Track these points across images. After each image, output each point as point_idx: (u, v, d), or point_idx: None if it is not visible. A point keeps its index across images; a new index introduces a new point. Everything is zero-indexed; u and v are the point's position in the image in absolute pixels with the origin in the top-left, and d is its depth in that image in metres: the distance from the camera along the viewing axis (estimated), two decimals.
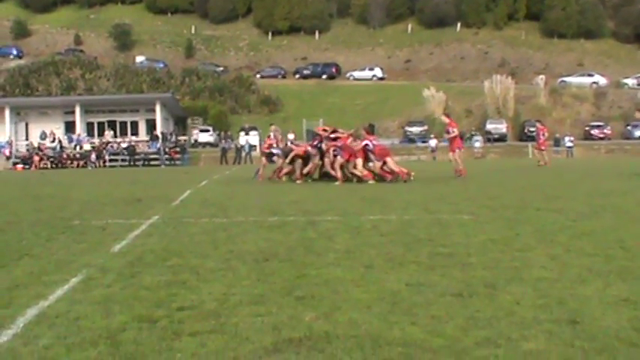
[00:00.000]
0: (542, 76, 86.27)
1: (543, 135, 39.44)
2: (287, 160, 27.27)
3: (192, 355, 5.16)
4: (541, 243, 10.09)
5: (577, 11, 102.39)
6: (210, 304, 6.67)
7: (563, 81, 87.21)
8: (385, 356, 5.05)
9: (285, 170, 27.66)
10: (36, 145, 66.50)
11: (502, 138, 74.67)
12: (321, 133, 27.17)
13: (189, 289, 7.29)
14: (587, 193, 19.45)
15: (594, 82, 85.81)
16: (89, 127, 72.73)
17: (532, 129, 71.67)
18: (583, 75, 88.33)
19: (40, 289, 7.39)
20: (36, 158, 63.47)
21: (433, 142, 65.87)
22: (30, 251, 9.93)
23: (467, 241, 10.37)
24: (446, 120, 28.29)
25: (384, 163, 25.59)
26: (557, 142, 67.70)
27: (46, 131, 68.51)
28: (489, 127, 74.70)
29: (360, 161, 25.21)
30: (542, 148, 39.97)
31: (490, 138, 72.82)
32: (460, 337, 5.50)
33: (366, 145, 25.22)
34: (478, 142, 70.10)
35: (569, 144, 66.62)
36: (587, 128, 75.90)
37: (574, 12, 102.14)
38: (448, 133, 28.73)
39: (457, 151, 27.81)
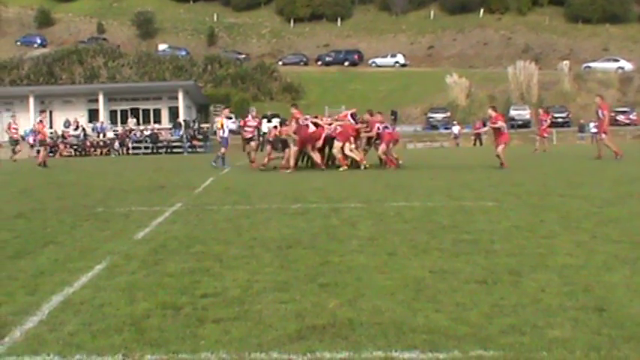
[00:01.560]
0: (566, 62, 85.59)
1: (545, 122, 38.93)
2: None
3: (215, 341, 5.16)
4: (566, 230, 10.04)
5: None
6: (233, 291, 6.68)
7: (587, 66, 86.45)
8: (409, 343, 5.03)
9: (271, 157, 27.71)
10: (60, 133, 66.72)
11: (526, 124, 74.15)
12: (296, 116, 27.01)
13: (213, 277, 7.30)
14: (612, 179, 19.31)
15: (620, 68, 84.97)
16: (112, 114, 72.96)
17: (556, 115, 71.46)
18: (608, 60, 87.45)
19: (65, 276, 7.43)
20: (60, 146, 63.71)
21: (456, 129, 65.57)
22: (54, 239, 9.98)
23: (491, 227, 10.32)
24: (492, 113, 27.52)
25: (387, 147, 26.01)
26: (582, 128, 67.22)
27: (69, 119, 68.77)
28: (513, 113, 74.17)
29: (347, 145, 25.60)
30: (545, 135, 39.57)
31: (514, 124, 72.39)
32: (485, 324, 5.47)
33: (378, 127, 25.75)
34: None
35: (594, 130, 66.08)
36: (612, 114, 75.32)
37: None
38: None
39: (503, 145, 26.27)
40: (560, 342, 5.00)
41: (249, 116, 32.20)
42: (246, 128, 32.06)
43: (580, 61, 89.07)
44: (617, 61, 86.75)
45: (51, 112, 70.21)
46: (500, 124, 26.02)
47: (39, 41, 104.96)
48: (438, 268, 7.50)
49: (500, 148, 25.15)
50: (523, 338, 5.10)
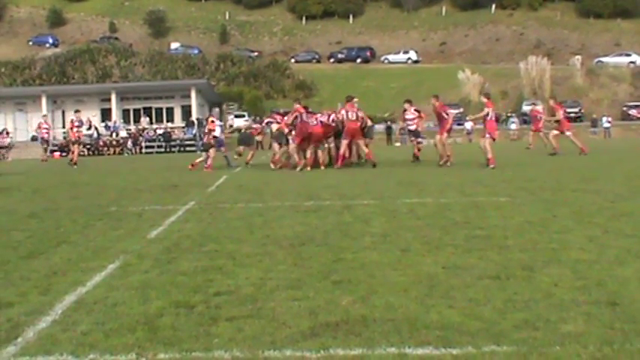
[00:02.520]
0: (578, 57, 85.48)
1: (540, 118, 38.26)
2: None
3: (229, 340, 5.16)
4: (579, 224, 10.02)
5: None
6: (246, 289, 6.69)
7: (599, 61, 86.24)
8: (422, 340, 5.03)
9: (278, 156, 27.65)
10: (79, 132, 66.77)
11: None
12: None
13: (226, 275, 7.31)
14: (625, 174, 19.27)
15: (632, 62, 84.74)
16: (125, 114, 73.11)
17: (569, 110, 71.26)
18: (620, 55, 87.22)
19: (78, 275, 7.45)
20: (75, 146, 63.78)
21: (469, 125, 65.40)
22: (67, 238, 10.01)
23: (504, 223, 10.32)
24: (483, 100, 27.43)
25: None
26: (595, 123, 67.08)
27: (82, 119, 68.85)
28: (525, 108, 73.98)
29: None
30: (539, 131, 38.87)
31: (526, 120, 72.06)
32: (498, 319, 5.47)
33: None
34: (514, 124, 69.57)
35: (607, 124, 65.98)
36: (624, 108, 75.08)
37: None
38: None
39: (487, 137, 25.58)
40: (573, 337, 4.99)
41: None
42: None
43: (592, 56, 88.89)
44: (629, 55, 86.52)
45: (63, 112, 70.43)
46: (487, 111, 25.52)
47: (51, 41, 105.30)
48: (451, 264, 7.50)
49: (483, 140, 24.77)
50: (536, 333, 5.10)
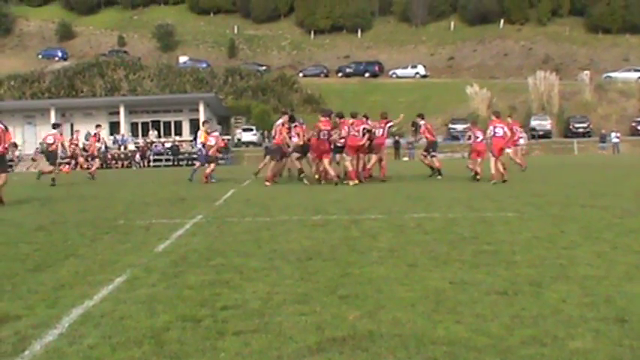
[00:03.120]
0: (586, 72, 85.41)
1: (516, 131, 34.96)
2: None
3: (236, 354, 5.16)
4: (587, 240, 10.00)
5: (622, 6, 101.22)
6: (253, 303, 6.68)
7: (608, 76, 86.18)
8: (429, 355, 5.02)
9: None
10: (81, 146, 66.99)
11: (547, 134, 73.97)
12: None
13: (233, 289, 7.31)
14: (633, 189, 19.23)
15: None
16: (133, 127, 73.32)
17: (577, 125, 71.28)
18: (629, 70, 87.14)
19: (85, 288, 7.45)
20: (81, 159, 63.93)
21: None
22: (75, 251, 10.02)
23: (512, 238, 10.30)
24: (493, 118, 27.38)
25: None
26: (604, 138, 67.03)
27: (90, 132, 69.03)
28: (534, 123, 73.97)
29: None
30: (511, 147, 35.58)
31: (535, 134, 72.07)
32: (505, 335, 5.46)
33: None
34: (522, 139, 69.51)
35: (616, 140, 65.90)
36: (633, 124, 74.92)
37: (619, 7, 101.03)
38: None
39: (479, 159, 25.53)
40: (581, 353, 4.98)
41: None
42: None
43: (600, 71, 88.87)
44: (637, 70, 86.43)
45: (72, 125, 70.64)
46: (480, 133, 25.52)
47: (60, 54, 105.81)
48: (458, 280, 7.49)
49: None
50: (544, 349, 5.08)
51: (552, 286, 7.11)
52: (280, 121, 26.70)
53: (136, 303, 6.77)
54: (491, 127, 24.12)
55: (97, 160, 36.67)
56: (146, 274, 8.21)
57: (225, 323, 5.99)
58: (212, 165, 28.76)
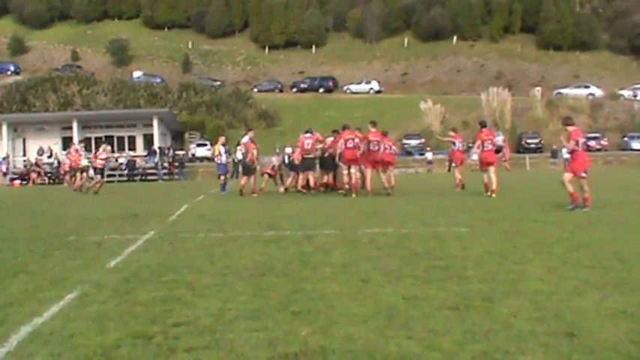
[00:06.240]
0: (538, 88, 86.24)
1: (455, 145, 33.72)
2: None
3: None
4: (538, 255, 10.09)
5: (572, 24, 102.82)
6: (205, 319, 6.65)
7: (559, 93, 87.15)
8: None
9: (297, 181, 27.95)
10: (33, 161, 66.41)
11: (499, 150, 74.45)
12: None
13: (185, 305, 7.27)
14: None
15: (590, 94, 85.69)
16: (87, 142, 72.66)
17: (529, 141, 71.95)
18: (579, 87, 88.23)
19: (35, 306, 7.37)
20: (33, 174, 63.36)
21: (430, 155, 65.77)
22: (25, 268, 9.91)
23: (464, 254, 10.36)
24: (451, 133, 28.45)
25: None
26: (555, 154, 67.62)
27: (43, 147, 68.43)
28: None
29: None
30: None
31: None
32: (457, 351, 5.48)
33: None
34: (475, 155, 69.98)
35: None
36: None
37: (569, 24, 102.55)
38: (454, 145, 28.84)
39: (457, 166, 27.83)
40: None
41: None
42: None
43: (551, 88, 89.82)
44: (587, 87, 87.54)
45: (24, 140, 69.95)
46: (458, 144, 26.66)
47: (12, 69, 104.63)
48: (410, 295, 7.51)
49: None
50: None
51: (503, 301, 7.17)
52: (247, 137, 27.06)
53: (87, 320, 6.71)
54: (479, 142, 24.51)
55: (84, 174, 35.81)
56: (97, 290, 8.14)
57: (177, 340, 5.95)
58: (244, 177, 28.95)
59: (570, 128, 18.66)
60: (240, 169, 31.03)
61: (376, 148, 25.28)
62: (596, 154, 70.08)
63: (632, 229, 13.30)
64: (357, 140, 25.20)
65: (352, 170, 25.22)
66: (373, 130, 25.92)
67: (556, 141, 70.74)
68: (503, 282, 8.14)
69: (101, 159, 34.79)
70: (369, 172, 25.54)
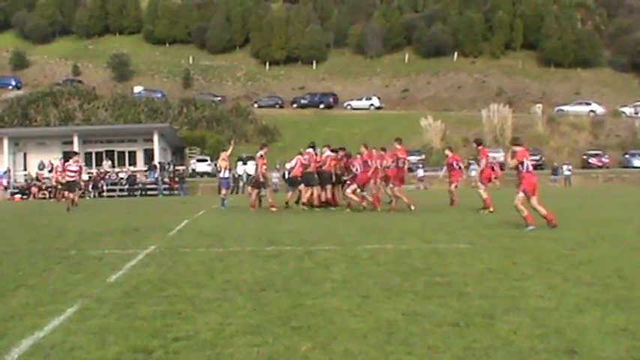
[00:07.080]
0: (539, 105, 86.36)
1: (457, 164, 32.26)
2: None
3: None
4: (538, 272, 10.08)
5: (573, 40, 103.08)
6: (206, 334, 6.65)
7: (560, 110, 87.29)
8: None
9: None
10: (34, 175, 66.44)
11: (500, 167, 74.53)
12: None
13: (185, 320, 7.27)
14: (584, 221, 19.46)
15: (591, 111, 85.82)
16: (87, 157, 72.69)
17: (530, 158, 71.85)
18: (580, 104, 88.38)
19: (36, 319, 7.37)
20: (34, 189, 63.36)
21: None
22: (26, 282, 9.91)
23: (464, 270, 10.35)
24: (448, 153, 28.84)
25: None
26: (556, 171, 67.70)
27: (44, 161, 68.45)
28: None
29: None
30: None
31: (490, 167, 72.38)
32: None
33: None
34: (475, 171, 69.95)
35: (567, 172, 66.59)
36: (584, 157, 75.79)
37: (570, 41, 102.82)
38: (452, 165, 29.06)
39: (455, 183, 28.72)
40: None
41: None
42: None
43: (552, 104, 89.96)
44: (588, 104, 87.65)
45: (25, 155, 69.99)
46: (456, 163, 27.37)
47: (13, 83, 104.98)
48: (410, 311, 7.51)
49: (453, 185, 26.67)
50: None
51: (504, 317, 7.16)
52: (260, 153, 27.41)
53: (87, 334, 6.72)
54: (484, 160, 24.94)
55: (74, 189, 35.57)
56: (98, 304, 8.14)
57: (177, 354, 5.96)
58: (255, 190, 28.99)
59: (517, 148, 18.77)
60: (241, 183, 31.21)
61: (403, 165, 26.12)
62: (597, 172, 70.27)
63: (633, 246, 13.28)
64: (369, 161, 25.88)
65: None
66: (399, 147, 26.16)
67: (557, 158, 71.13)
68: (503, 299, 8.13)
69: (71, 171, 33.07)
70: (397, 190, 25.84)
